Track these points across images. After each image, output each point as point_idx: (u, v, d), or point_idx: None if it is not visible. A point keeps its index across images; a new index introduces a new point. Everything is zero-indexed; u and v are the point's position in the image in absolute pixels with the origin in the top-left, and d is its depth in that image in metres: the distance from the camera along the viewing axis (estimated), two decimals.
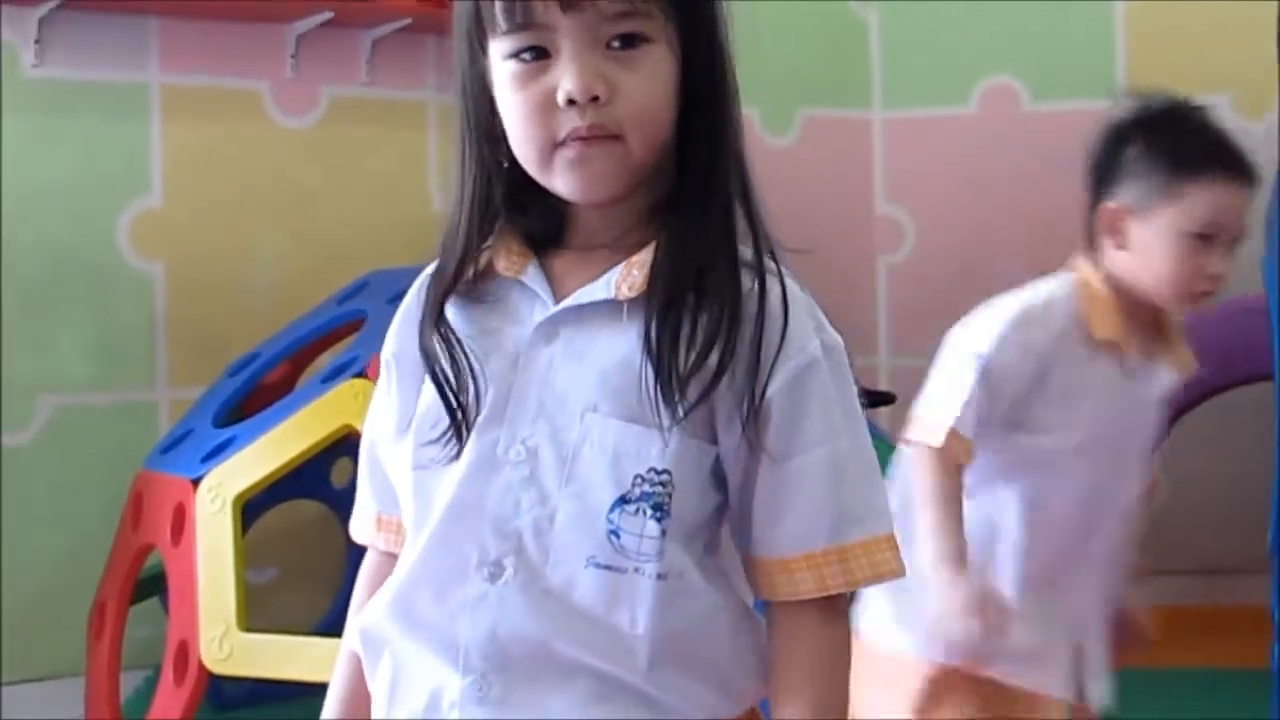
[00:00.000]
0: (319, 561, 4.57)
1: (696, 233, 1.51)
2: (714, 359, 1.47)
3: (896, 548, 1.54)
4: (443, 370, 1.52)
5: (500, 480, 1.50)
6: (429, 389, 1.54)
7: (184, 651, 3.32)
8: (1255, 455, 4.96)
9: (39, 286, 4.29)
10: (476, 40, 1.54)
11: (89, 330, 4.38)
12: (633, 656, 1.47)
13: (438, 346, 1.53)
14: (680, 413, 1.47)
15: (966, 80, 5.56)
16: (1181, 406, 4.53)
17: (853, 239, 5.53)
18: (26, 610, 4.23)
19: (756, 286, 1.51)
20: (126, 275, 4.43)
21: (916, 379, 4.10)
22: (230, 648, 3.25)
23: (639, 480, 1.47)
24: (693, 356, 1.47)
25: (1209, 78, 5.23)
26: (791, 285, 1.53)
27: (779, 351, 1.50)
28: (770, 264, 1.53)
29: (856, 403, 1.56)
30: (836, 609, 1.54)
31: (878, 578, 1.52)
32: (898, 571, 1.54)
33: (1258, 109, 5.18)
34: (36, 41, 4.28)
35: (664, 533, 1.47)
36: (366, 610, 1.60)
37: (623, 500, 1.47)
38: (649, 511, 1.47)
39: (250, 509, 3.56)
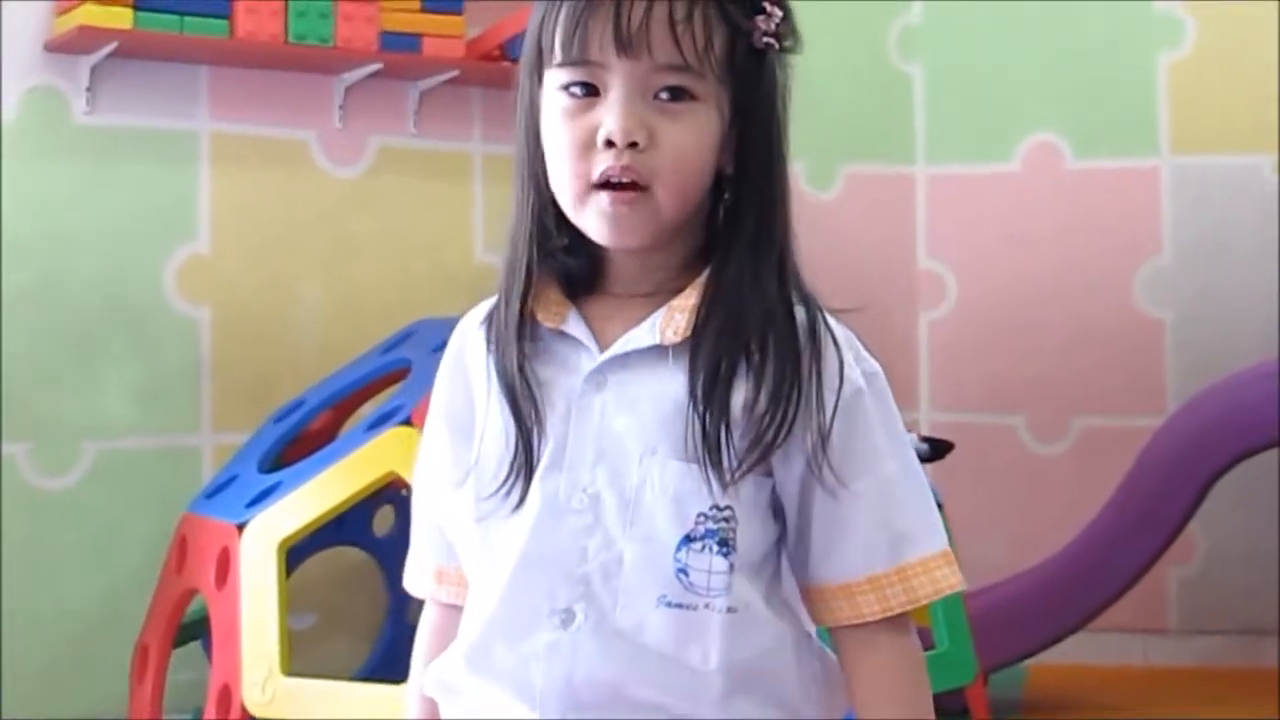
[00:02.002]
0: (359, 608, 4.59)
1: (752, 290, 1.54)
2: (779, 420, 1.50)
3: (953, 563, 1.58)
4: (522, 405, 1.55)
5: (565, 528, 1.52)
6: (486, 439, 1.57)
7: (226, 695, 3.33)
8: None
9: (86, 330, 4.32)
10: (536, 69, 1.58)
11: (134, 374, 4.40)
12: (705, 692, 1.51)
13: (519, 380, 1.55)
14: (741, 463, 1.50)
15: (1009, 137, 5.57)
16: (1218, 468, 4.53)
17: (895, 294, 5.54)
18: (69, 653, 4.25)
19: (806, 321, 1.55)
20: (172, 320, 4.46)
21: (957, 433, 4.12)
22: (273, 691, 3.26)
23: (702, 518, 1.50)
24: (759, 414, 1.50)
25: (1250, 138, 5.26)
26: (829, 318, 1.58)
27: (839, 387, 1.54)
28: (810, 297, 1.58)
29: (900, 425, 1.61)
30: (902, 624, 1.57)
31: (938, 593, 1.56)
32: (956, 586, 1.58)
33: None
34: (88, 89, 4.32)
35: (731, 567, 1.51)
36: (442, 660, 1.62)
37: (688, 539, 1.50)
38: (715, 548, 1.50)
39: (292, 555, 3.57)
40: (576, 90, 1.53)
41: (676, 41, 1.50)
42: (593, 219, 1.54)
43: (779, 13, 1.56)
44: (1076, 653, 4.83)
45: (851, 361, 1.57)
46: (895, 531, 1.56)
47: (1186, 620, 5.34)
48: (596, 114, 1.52)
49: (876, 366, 1.60)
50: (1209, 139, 5.35)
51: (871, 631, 1.56)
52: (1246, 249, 5.28)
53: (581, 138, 1.52)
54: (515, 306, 1.58)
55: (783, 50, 1.58)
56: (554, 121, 1.55)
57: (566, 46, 1.52)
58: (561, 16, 1.52)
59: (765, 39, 1.55)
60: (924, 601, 1.56)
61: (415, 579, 1.77)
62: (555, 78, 1.55)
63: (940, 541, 1.58)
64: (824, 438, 1.52)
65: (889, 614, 1.55)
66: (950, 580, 1.57)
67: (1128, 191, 5.43)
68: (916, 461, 1.60)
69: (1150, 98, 5.42)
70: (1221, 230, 5.32)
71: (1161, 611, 5.33)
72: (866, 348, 1.60)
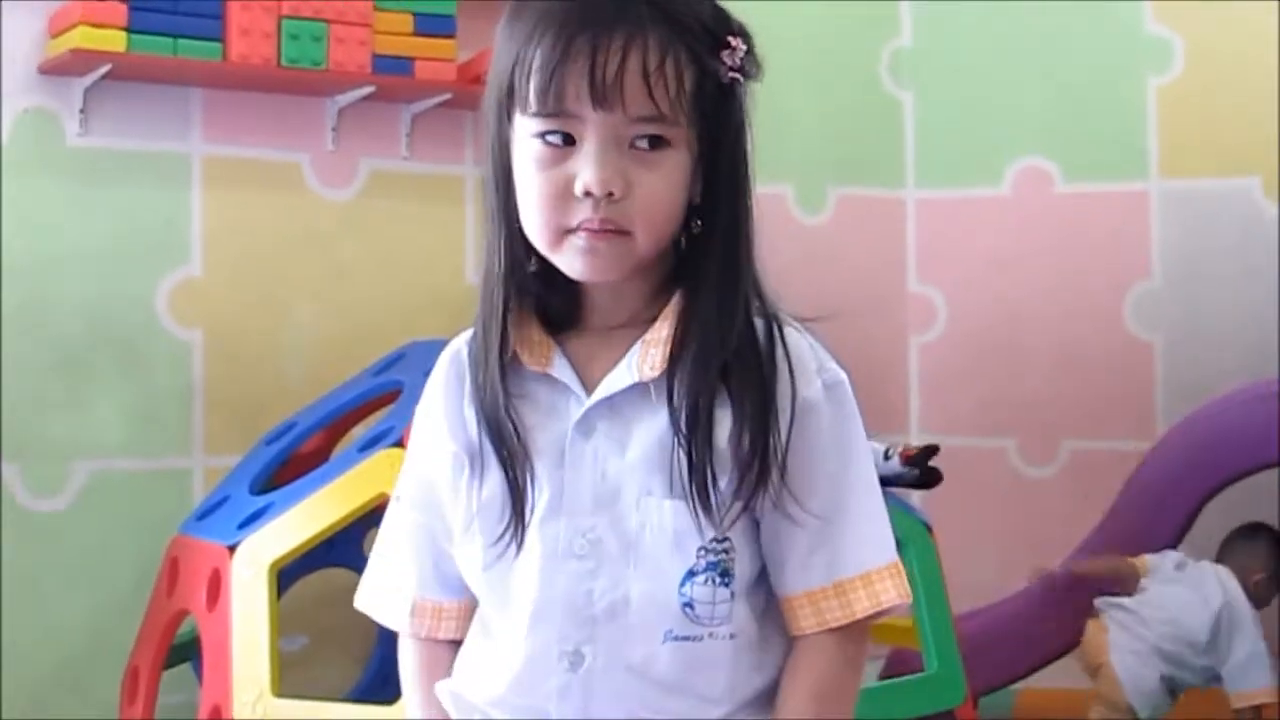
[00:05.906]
0: (349, 630, 4.57)
1: (723, 318, 1.55)
2: (762, 454, 1.53)
3: (900, 575, 1.59)
4: (511, 452, 1.56)
5: (568, 573, 1.55)
6: (488, 484, 1.58)
7: (217, 716, 3.33)
8: None
9: (77, 352, 4.33)
10: (505, 110, 1.58)
11: (126, 396, 4.40)
12: (715, 712, 1.55)
13: (507, 427, 1.57)
14: (731, 505, 1.53)
15: (999, 161, 5.58)
16: (1208, 491, 4.54)
17: (885, 317, 5.55)
18: (60, 674, 4.25)
19: (765, 343, 1.57)
20: (164, 343, 4.46)
21: (948, 456, 4.13)
22: (263, 712, 3.26)
23: (703, 551, 1.53)
24: (744, 453, 1.52)
25: (1239, 161, 5.27)
26: (791, 332, 1.59)
27: (791, 406, 1.56)
28: (773, 314, 1.59)
29: (856, 435, 1.61)
30: (848, 635, 1.59)
31: (878, 607, 1.58)
32: (900, 598, 1.59)
33: None
34: (81, 111, 4.32)
35: (733, 595, 1.54)
36: (460, 702, 1.65)
37: (691, 573, 1.53)
38: (717, 579, 1.53)
39: (283, 576, 3.57)
40: (553, 139, 1.54)
41: (650, 92, 1.51)
42: (569, 256, 1.55)
43: (743, 46, 1.57)
44: (1066, 676, 4.83)
45: (812, 373, 1.58)
46: (836, 549, 1.57)
47: None
48: (572, 164, 1.53)
49: (840, 375, 1.60)
50: (1198, 162, 5.36)
51: (811, 640, 1.58)
52: (1236, 272, 5.29)
53: (557, 187, 1.53)
54: (495, 351, 1.59)
55: (746, 79, 1.59)
56: (527, 169, 1.56)
57: (541, 97, 1.52)
58: (536, 64, 1.52)
59: (731, 74, 1.56)
60: (861, 616, 1.57)
61: (384, 606, 1.77)
62: (529, 125, 1.55)
63: (886, 555, 1.59)
64: (781, 458, 1.54)
65: (824, 628, 1.57)
66: (892, 593, 1.58)
67: (1117, 215, 5.44)
68: (869, 473, 1.61)
69: (1139, 121, 5.43)
70: (1211, 253, 5.33)
71: None
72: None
